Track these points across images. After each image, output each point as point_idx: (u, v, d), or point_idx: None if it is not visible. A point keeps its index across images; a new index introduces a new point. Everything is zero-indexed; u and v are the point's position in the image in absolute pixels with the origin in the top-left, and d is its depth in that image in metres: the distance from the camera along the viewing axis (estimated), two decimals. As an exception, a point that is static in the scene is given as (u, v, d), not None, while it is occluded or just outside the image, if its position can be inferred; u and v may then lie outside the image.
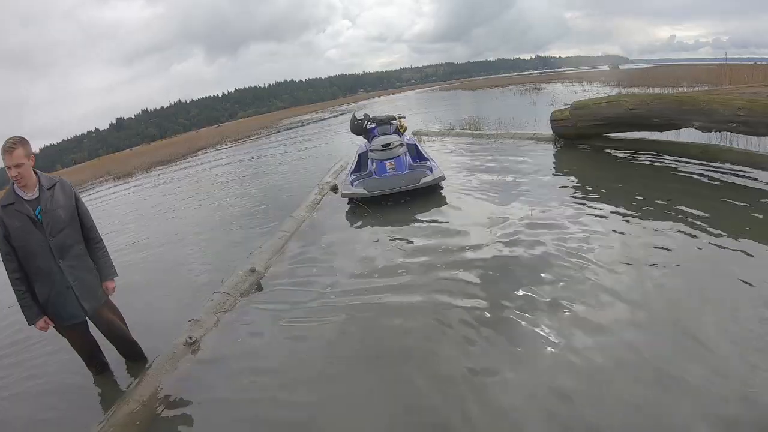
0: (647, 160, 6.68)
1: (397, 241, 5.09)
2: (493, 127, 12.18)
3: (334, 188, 7.72)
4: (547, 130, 8.95)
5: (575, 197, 5.49)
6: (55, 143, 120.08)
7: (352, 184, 6.65)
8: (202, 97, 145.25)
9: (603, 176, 6.29)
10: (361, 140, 8.34)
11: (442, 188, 6.57)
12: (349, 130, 8.19)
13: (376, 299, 3.86)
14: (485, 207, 5.66)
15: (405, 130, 7.90)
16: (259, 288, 4.49)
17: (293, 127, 32.57)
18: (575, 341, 2.84)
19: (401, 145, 6.87)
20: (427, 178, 6.28)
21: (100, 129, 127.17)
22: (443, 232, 5.09)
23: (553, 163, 7.49)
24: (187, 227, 7.87)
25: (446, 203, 6.07)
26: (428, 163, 6.94)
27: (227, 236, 6.72)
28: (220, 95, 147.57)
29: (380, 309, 3.69)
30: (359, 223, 5.95)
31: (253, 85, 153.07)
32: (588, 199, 5.37)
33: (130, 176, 21.21)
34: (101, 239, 3.30)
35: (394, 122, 7.70)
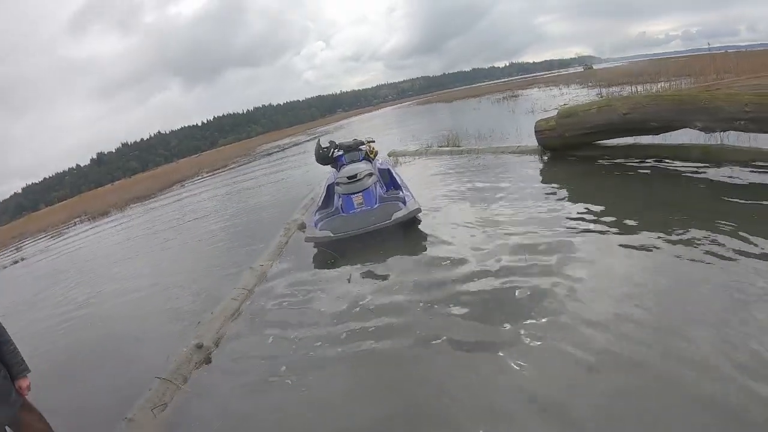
0: (645, 168, 6.03)
1: (372, 281, 4.53)
2: (473, 141, 11.46)
3: (302, 226, 6.94)
4: (531, 141, 8.30)
5: (570, 221, 4.77)
6: (36, 182, 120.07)
7: (316, 225, 5.79)
8: (182, 127, 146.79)
9: (599, 194, 5.53)
10: (330, 169, 7.48)
11: (419, 221, 5.81)
12: (315, 160, 7.33)
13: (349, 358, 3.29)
14: (466, 238, 4.97)
15: (375, 155, 7.09)
16: (208, 362, 3.73)
17: (271, 153, 31.88)
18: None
19: (370, 174, 6.03)
20: (400, 213, 5.44)
21: (81, 165, 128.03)
22: (425, 267, 4.50)
23: (540, 180, 6.70)
24: (145, 276, 7.08)
25: (425, 239, 5.34)
26: (400, 193, 6.03)
27: (187, 287, 5.89)
28: (199, 124, 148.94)
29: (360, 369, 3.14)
30: (329, 270, 5.13)
31: (231, 112, 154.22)
32: (585, 221, 4.69)
33: (105, 215, 20.42)
34: (5, 330, 2.74)
35: (363, 147, 6.91)
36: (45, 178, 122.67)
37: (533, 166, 7.53)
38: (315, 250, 5.72)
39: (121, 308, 5.96)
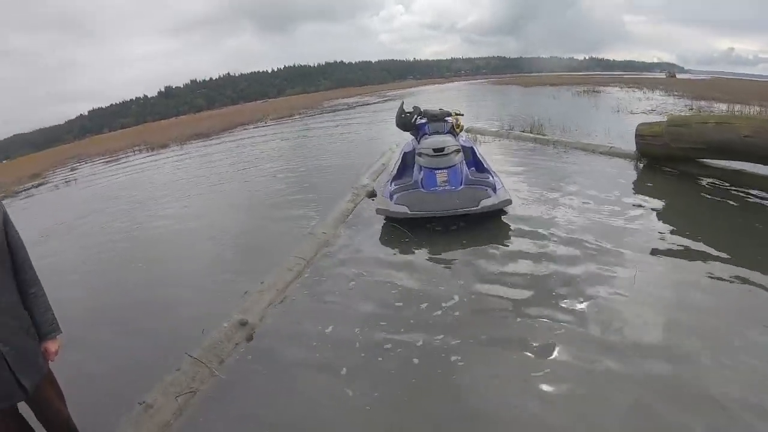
0: (753, 200, 5.38)
1: (447, 271, 4.23)
2: (557, 132, 10.81)
3: (372, 194, 6.52)
4: (624, 144, 7.82)
5: (658, 240, 4.42)
6: (103, 106, 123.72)
7: (391, 197, 5.30)
8: (252, 72, 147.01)
9: (694, 217, 5.08)
10: (408, 136, 7.05)
11: (505, 213, 5.26)
12: (395, 123, 6.82)
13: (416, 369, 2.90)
14: (551, 240, 4.61)
15: (461, 130, 6.56)
16: (250, 340, 3.35)
17: (338, 109, 31.56)
18: None
19: (458, 150, 5.51)
20: (489, 201, 4.92)
21: (149, 96, 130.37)
22: (507, 262, 4.24)
23: (633, 189, 6.17)
24: (194, 218, 7.04)
25: (508, 236, 4.80)
26: (490, 178, 5.49)
27: (240, 240, 5.71)
28: (269, 71, 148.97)
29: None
30: (399, 251, 4.72)
31: (302, 64, 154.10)
32: (674, 243, 4.34)
33: (164, 147, 20.68)
34: (38, 279, 2.18)
35: (449, 120, 6.32)
36: (111, 104, 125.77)
37: (626, 172, 6.99)
38: (385, 224, 5.33)
39: (165, 252, 5.82)
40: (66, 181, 14.91)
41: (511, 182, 6.33)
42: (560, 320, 3.21)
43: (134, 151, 21.31)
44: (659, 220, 4.96)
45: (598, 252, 4.21)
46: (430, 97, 34.38)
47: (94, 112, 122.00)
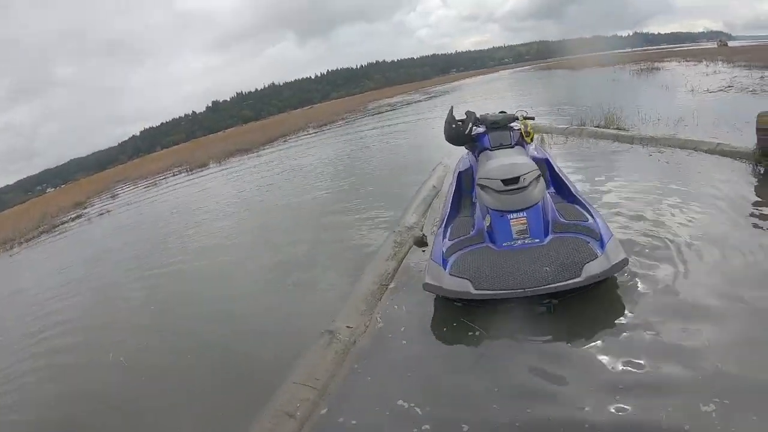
0: None
1: (549, 394, 2.45)
2: (637, 123, 8.82)
3: (421, 242, 4.66)
4: (725, 134, 6.36)
5: None
6: (154, 125, 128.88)
7: (444, 263, 3.34)
8: (295, 80, 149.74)
9: None
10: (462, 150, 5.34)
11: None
12: (444, 136, 4.91)
13: None
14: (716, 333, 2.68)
15: (532, 140, 4.79)
16: None
17: (382, 111, 30.33)
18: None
19: (537, 177, 3.58)
20: (596, 266, 3.00)
21: (197, 112, 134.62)
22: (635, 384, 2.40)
23: (759, 200, 4.44)
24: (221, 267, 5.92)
25: (638, 316, 2.93)
26: (588, 217, 3.50)
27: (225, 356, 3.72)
28: (312, 77, 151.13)
29: None
30: (464, 351, 2.98)
31: (344, 66, 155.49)
32: None
33: (203, 167, 20.18)
34: None
35: (516, 126, 4.63)
36: (162, 123, 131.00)
37: (744, 177, 5.15)
38: (437, 302, 3.49)
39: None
40: (100, 214, 14.65)
41: (609, 214, 4.38)
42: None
43: (173, 173, 20.93)
44: None
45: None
46: (476, 90, 32.95)
47: (145, 132, 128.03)
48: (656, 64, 26.00)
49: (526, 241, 3.35)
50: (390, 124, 20.33)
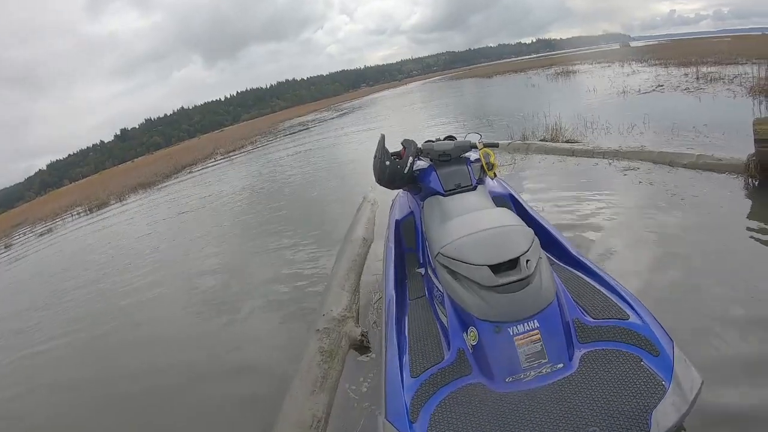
0: None
1: None
2: (585, 132, 7.59)
3: (358, 343, 2.98)
4: (692, 142, 5.65)
5: None
6: (61, 158, 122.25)
7: (410, 417, 1.63)
8: (205, 102, 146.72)
9: None
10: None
11: None
12: (374, 177, 3.04)
13: None
14: None
15: (495, 173, 3.02)
16: None
17: (294, 132, 28.52)
18: None
19: (538, 251, 1.89)
20: (669, 411, 1.42)
21: (105, 141, 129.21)
22: None
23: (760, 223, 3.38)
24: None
25: None
26: (625, 311, 1.87)
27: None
28: (222, 99, 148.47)
29: None
30: None
31: (254, 87, 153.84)
32: None
33: (103, 206, 17.68)
34: None
35: (473, 156, 3.02)
36: (69, 155, 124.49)
37: (737, 194, 4.09)
38: None
39: None
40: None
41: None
42: None
43: (72, 215, 18.34)
44: None
45: None
46: (392, 104, 31.84)
47: (52, 165, 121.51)
48: (569, 68, 25.88)
49: (545, 371, 1.69)
50: (302, 144, 18.80)
